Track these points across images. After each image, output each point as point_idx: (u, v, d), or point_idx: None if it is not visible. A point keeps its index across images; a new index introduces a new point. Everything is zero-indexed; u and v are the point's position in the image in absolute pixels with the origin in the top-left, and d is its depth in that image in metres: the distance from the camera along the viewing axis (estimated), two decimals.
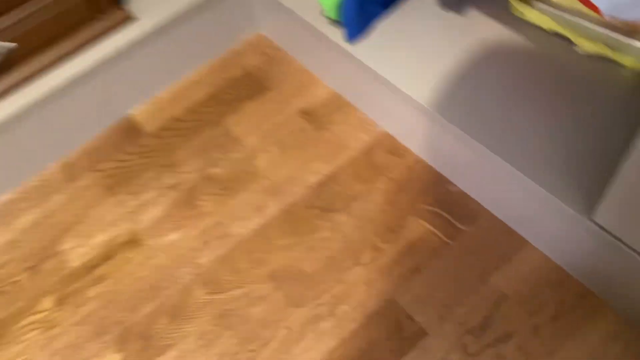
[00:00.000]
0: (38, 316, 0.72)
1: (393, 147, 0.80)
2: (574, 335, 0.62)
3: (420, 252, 0.71)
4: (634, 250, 0.53)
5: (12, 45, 0.76)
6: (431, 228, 0.72)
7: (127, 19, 0.85)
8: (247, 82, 0.92)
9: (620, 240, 0.54)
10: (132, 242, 0.77)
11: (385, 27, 0.79)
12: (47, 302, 0.73)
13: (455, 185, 0.75)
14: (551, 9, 0.72)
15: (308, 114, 0.86)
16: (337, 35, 0.79)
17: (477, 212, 0.73)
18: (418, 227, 0.73)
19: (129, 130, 0.89)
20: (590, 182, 0.59)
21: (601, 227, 0.55)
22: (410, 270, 0.70)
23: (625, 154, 0.47)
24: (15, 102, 0.78)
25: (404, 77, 0.73)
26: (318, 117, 0.86)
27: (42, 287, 0.75)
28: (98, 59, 0.82)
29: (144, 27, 0.85)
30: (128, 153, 0.87)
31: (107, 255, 0.76)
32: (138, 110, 0.91)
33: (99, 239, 0.78)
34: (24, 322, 0.72)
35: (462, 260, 0.69)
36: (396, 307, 0.67)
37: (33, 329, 0.71)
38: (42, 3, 0.76)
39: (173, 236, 0.77)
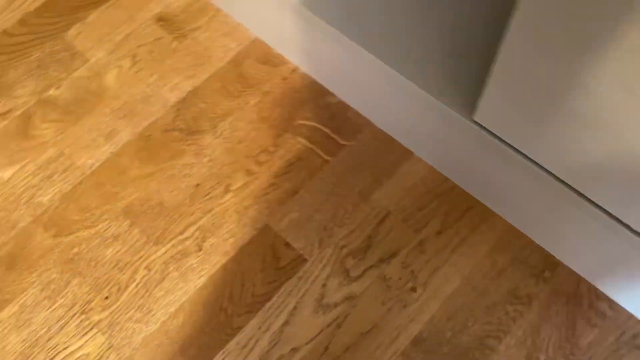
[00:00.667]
0: None
1: (266, 56, 0.70)
2: (461, 248, 0.58)
3: (298, 173, 0.63)
4: (516, 149, 0.48)
5: None
6: (310, 145, 0.64)
7: None
8: None
9: (502, 140, 0.48)
10: None
11: None
12: None
13: (334, 96, 0.67)
14: None
15: (165, 21, 0.73)
16: None
17: (359, 124, 0.66)
18: (295, 145, 0.64)
19: None
20: (469, 81, 0.53)
21: (482, 127, 0.49)
22: (287, 193, 0.62)
23: (498, 50, 0.41)
24: None
25: None
26: (178, 24, 0.73)
27: None
28: None
29: None
30: None
31: None
32: None
33: None
34: None
35: (343, 178, 0.62)
36: (272, 234, 0.60)
37: None
38: None
39: (6, 173, 0.64)
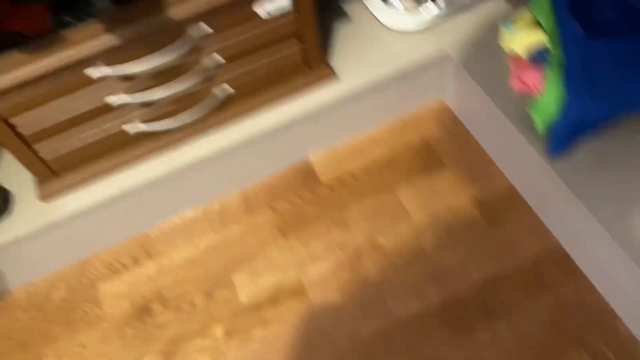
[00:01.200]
0: (208, 342, 0.81)
1: (565, 265, 0.80)
2: None
3: None
4: None
5: (232, 91, 0.83)
6: None
7: (331, 76, 0.89)
8: (423, 153, 0.94)
9: None
10: (298, 292, 0.83)
11: (594, 147, 0.77)
12: (218, 331, 0.81)
13: (624, 325, 0.75)
14: None
15: (482, 204, 0.87)
16: (531, 136, 0.79)
17: None
18: None
19: (306, 175, 0.95)
20: None
21: None
22: None
23: None
24: (219, 138, 0.86)
25: (602, 208, 0.72)
26: (491, 211, 0.87)
27: (214, 314, 0.83)
28: (299, 111, 0.87)
29: (343, 87, 0.89)
30: (302, 198, 0.92)
31: (274, 299, 0.83)
32: (316, 156, 0.96)
33: (268, 281, 0.85)
34: (195, 344, 0.81)
35: None
36: None
37: (202, 354, 0.80)
38: (267, 56, 0.82)
39: (336, 297, 0.82)
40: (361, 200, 0.91)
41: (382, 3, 0.93)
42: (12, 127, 0.71)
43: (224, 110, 0.85)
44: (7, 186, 0.85)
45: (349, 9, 0.97)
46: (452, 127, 0.96)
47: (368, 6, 0.95)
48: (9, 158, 0.86)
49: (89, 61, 0.68)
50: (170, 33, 0.71)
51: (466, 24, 0.93)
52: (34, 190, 0.83)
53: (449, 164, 0.92)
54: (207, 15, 0.71)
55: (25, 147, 0.74)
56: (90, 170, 0.83)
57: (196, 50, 0.74)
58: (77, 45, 0.66)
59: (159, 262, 0.89)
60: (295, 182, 0.94)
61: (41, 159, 0.77)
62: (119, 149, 0.83)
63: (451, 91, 0.97)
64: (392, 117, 0.98)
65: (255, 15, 0.75)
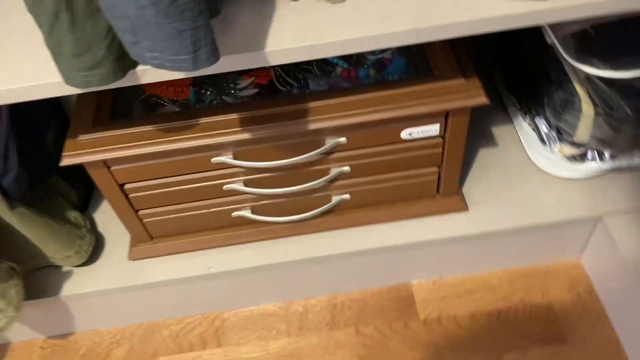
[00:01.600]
0: None
1: None
2: None
3: None
4: None
5: (347, 197, 0.76)
6: None
7: (460, 208, 0.80)
8: (544, 318, 0.81)
9: None
10: None
11: None
12: None
13: None
14: None
15: None
16: None
17: None
18: None
19: (403, 302, 0.85)
20: None
21: None
22: None
23: None
24: (322, 242, 0.79)
25: None
26: None
27: None
28: (415, 236, 0.79)
29: (470, 222, 0.79)
30: (393, 329, 0.83)
31: None
32: (420, 284, 0.87)
33: None
34: None
35: None
36: None
37: None
38: (398, 176, 0.74)
39: None
40: (459, 354, 0.79)
41: (538, 141, 0.82)
42: (125, 192, 0.68)
43: (334, 215, 0.78)
44: (100, 230, 0.84)
45: (498, 134, 0.88)
46: (584, 296, 0.83)
47: (522, 139, 0.86)
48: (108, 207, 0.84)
49: (218, 150, 0.65)
50: (306, 141, 0.65)
51: (629, 186, 0.80)
52: (124, 244, 0.81)
53: (571, 340, 0.79)
54: (348, 130, 0.65)
55: (132, 211, 0.71)
56: (184, 241, 0.79)
57: (327, 160, 0.68)
58: (212, 134, 0.62)
59: (225, 353, 0.83)
60: (390, 306, 0.85)
61: (143, 223, 0.74)
62: (217, 228, 0.78)
63: (593, 255, 0.84)
64: (516, 264, 0.86)
65: (398, 137, 0.68)
